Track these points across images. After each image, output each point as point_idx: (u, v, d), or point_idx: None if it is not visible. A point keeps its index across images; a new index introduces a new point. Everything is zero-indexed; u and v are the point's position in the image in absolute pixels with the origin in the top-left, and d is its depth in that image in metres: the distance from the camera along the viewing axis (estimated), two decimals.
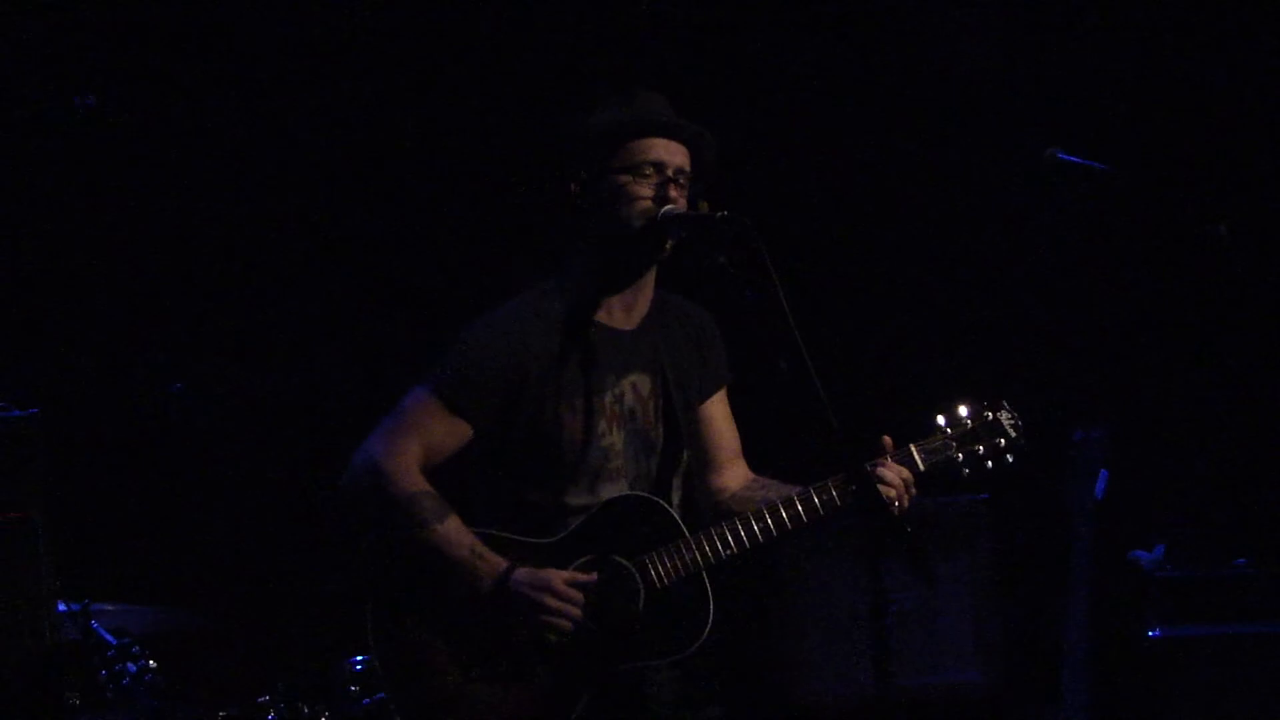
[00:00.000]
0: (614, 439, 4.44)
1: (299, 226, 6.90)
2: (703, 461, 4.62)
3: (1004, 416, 4.42)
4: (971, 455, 4.40)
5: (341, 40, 6.87)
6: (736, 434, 4.68)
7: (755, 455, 4.71)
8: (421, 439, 4.34)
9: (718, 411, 4.65)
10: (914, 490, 4.36)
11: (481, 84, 6.93)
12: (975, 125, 7.02)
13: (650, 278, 4.48)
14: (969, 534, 6.52)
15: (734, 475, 4.64)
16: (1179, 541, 6.32)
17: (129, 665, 5.49)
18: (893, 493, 4.31)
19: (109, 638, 5.58)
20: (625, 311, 4.48)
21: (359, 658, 5.83)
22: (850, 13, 7.10)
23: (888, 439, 4.40)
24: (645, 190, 4.35)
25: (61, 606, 5.54)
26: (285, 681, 5.82)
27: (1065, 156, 5.53)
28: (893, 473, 4.33)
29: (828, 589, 6.54)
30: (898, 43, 7.10)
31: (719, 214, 4.26)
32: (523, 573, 4.27)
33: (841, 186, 7.12)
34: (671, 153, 4.39)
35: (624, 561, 4.32)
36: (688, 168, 4.40)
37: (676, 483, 4.53)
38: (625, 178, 4.36)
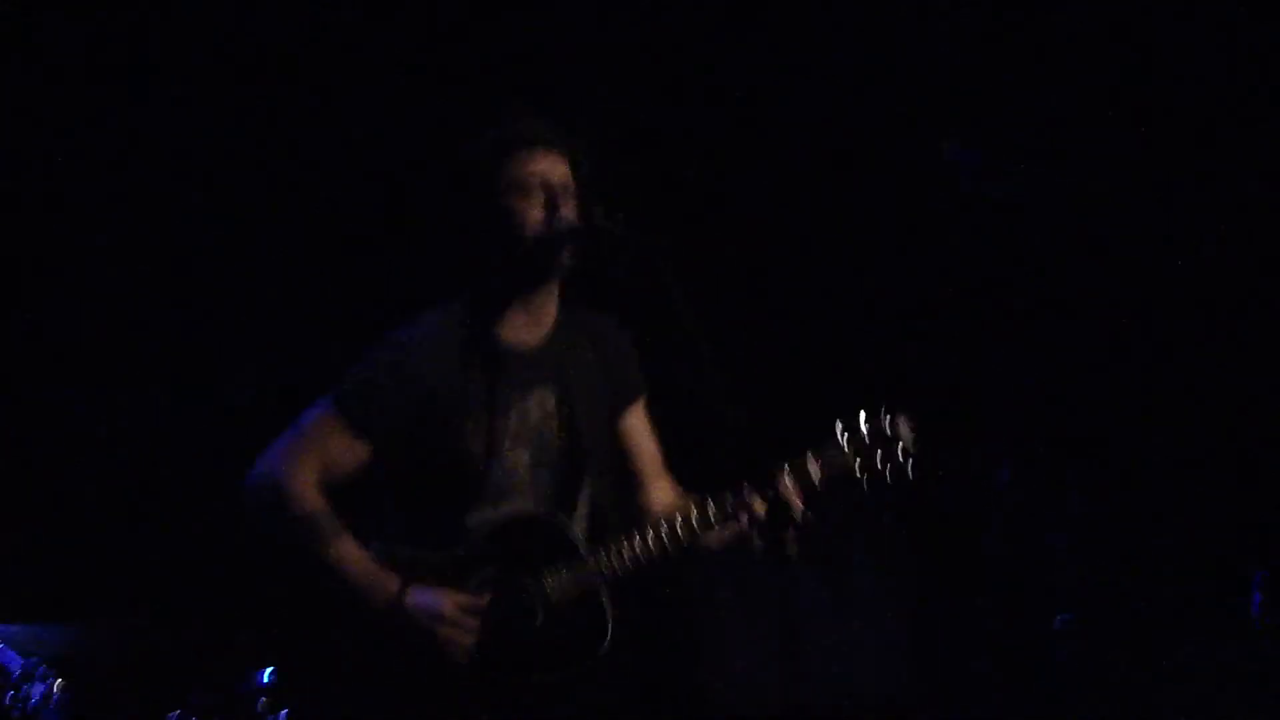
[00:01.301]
0: (517, 457, 4.41)
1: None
2: (626, 478, 4.57)
3: (903, 426, 4.32)
4: (869, 466, 4.27)
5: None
6: (658, 448, 4.61)
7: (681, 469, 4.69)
8: (321, 457, 4.29)
9: (636, 425, 4.59)
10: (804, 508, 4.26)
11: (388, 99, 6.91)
12: (872, 117, 7.04)
13: (552, 293, 4.45)
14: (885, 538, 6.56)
15: (660, 491, 4.56)
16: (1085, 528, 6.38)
17: (36, 686, 5.47)
18: (795, 506, 4.23)
19: (14, 659, 5.54)
20: (529, 328, 4.44)
21: (267, 670, 5.81)
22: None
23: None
24: (535, 208, 4.35)
25: None
26: (195, 696, 5.82)
27: (959, 152, 5.60)
28: (791, 488, 4.24)
29: (739, 592, 6.58)
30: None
31: (611, 222, 4.27)
32: (415, 594, 4.25)
33: (745, 190, 7.13)
34: (554, 164, 4.34)
35: (522, 579, 4.32)
36: (569, 179, 4.39)
37: (583, 498, 4.51)
38: (513, 197, 4.35)
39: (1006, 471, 6.15)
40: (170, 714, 5.77)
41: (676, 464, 4.65)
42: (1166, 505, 6.65)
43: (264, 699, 5.79)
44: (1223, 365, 6.70)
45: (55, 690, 5.49)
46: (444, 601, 4.24)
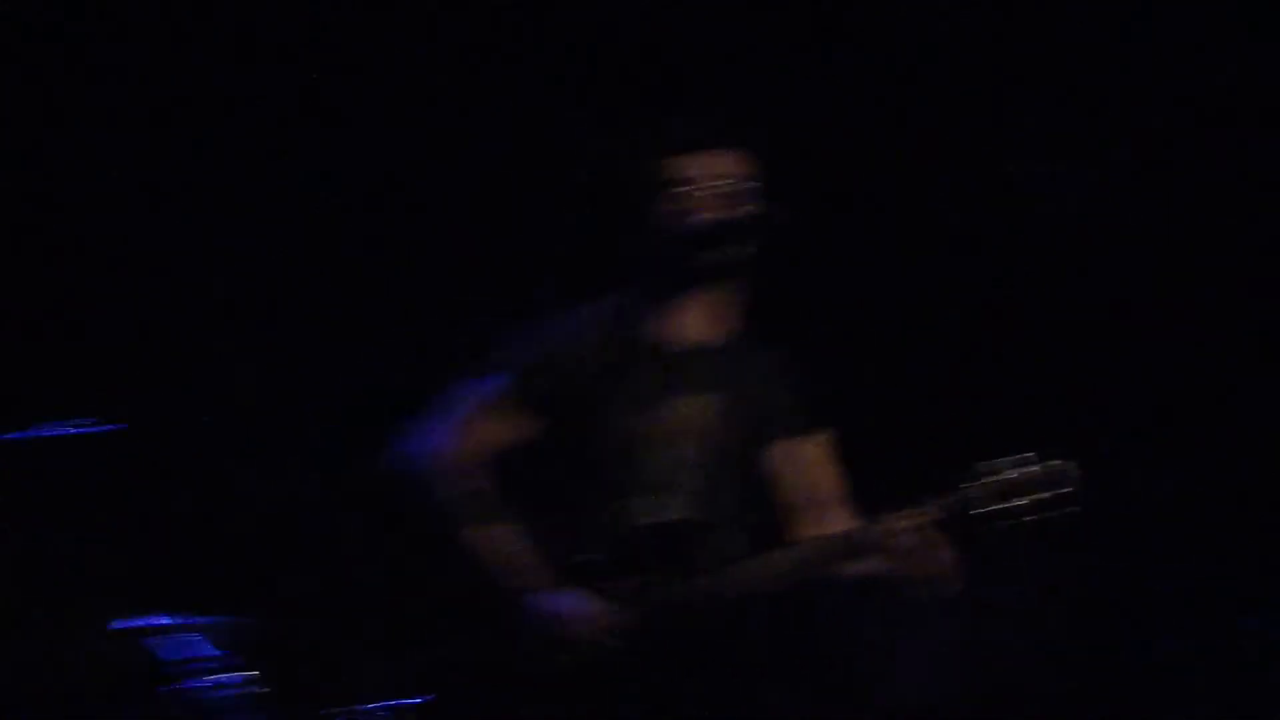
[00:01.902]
0: (676, 455, 4.40)
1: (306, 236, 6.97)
2: (797, 510, 4.50)
3: (1057, 467, 4.17)
4: (1014, 509, 4.15)
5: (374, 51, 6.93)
6: (837, 482, 4.52)
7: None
8: (484, 433, 4.31)
9: (811, 455, 4.52)
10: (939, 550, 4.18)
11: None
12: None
13: (723, 295, 4.43)
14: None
15: (825, 527, 4.45)
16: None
17: (228, 677, 5.56)
18: (899, 557, 4.16)
19: (210, 651, 5.63)
20: (704, 326, 4.43)
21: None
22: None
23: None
24: (698, 203, 4.36)
25: (158, 620, 5.64)
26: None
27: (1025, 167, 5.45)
28: (901, 535, 4.17)
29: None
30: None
31: (775, 216, 4.29)
32: (555, 595, 4.24)
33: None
34: (721, 164, 4.38)
35: (665, 586, 4.28)
36: (740, 179, 4.39)
37: (747, 506, 4.49)
38: (677, 193, 4.37)
39: None
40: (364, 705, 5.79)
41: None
42: None
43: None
44: None
45: (248, 683, 5.58)
46: (576, 604, 4.25)
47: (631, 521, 4.36)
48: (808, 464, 4.51)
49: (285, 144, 6.86)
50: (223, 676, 5.54)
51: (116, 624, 5.61)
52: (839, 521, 4.45)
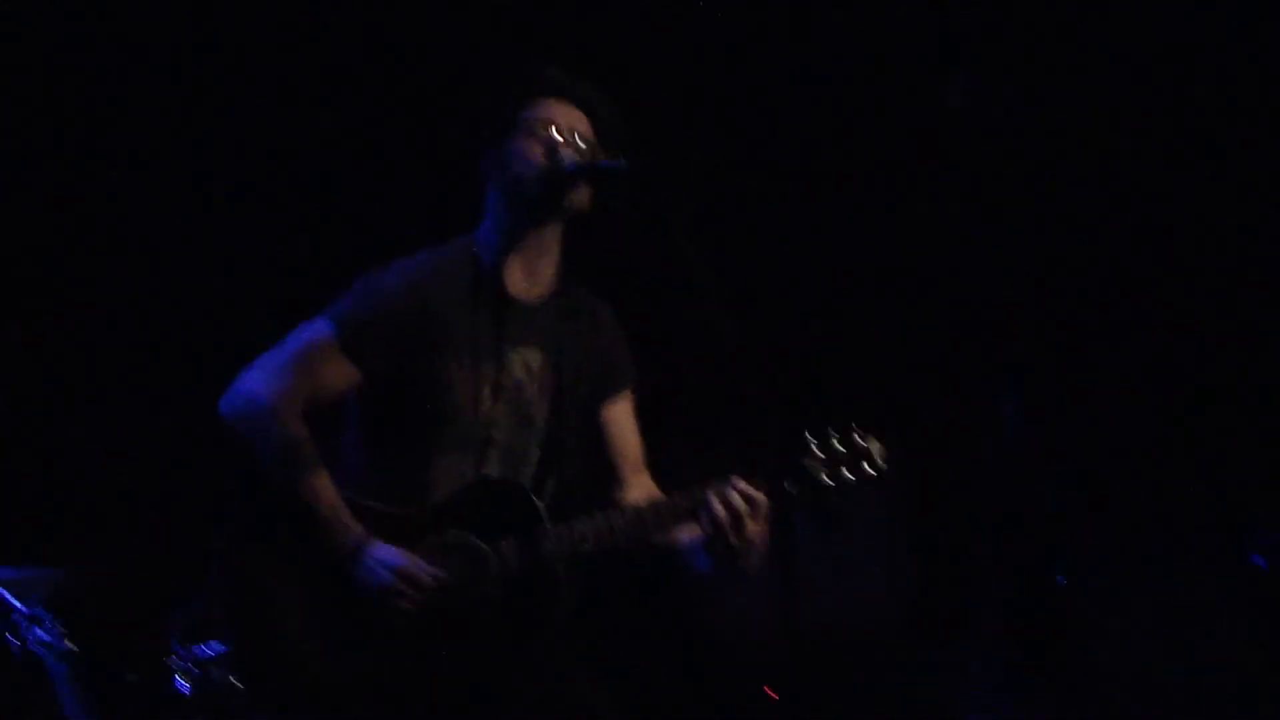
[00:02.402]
0: (497, 410, 4.40)
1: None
2: (605, 470, 4.57)
3: (875, 447, 4.31)
4: (838, 480, 4.28)
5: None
6: (639, 443, 4.62)
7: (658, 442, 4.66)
8: (311, 379, 4.27)
9: (620, 416, 4.60)
10: (755, 521, 4.23)
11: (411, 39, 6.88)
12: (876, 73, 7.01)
13: (553, 245, 4.44)
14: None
15: (636, 488, 4.57)
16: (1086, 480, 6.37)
17: (37, 629, 5.45)
18: (716, 519, 4.21)
19: (16, 604, 5.52)
20: (528, 280, 4.43)
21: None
22: None
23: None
24: (538, 147, 4.35)
25: None
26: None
27: (965, 86, 5.52)
28: (725, 501, 4.22)
29: None
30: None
31: (616, 163, 4.27)
32: (376, 547, 4.22)
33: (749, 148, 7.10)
34: (567, 114, 4.39)
35: (481, 544, 4.29)
36: (584, 129, 4.39)
37: (554, 467, 4.50)
38: (520, 137, 4.36)
39: (1011, 405, 6.13)
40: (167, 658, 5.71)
41: (663, 438, 4.65)
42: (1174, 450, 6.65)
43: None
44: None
45: (56, 633, 5.46)
46: (401, 558, 4.20)
47: (443, 476, 4.34)
48: (620, 425, 4.57)
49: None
50: (34, 630, 5.39)
51: None
52: (642, 480, 4.54)
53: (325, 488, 4.24)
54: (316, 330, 4.31)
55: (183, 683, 5.59)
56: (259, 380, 4.27)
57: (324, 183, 6.85)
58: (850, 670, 6.45)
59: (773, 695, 6.31)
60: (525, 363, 4.43)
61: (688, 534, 4.33)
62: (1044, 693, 6.08)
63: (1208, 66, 6.73)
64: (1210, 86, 6.73)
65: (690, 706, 6.64)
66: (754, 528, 4.22)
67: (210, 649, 5.40)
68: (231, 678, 5.41)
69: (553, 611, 4.28)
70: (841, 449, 4.29)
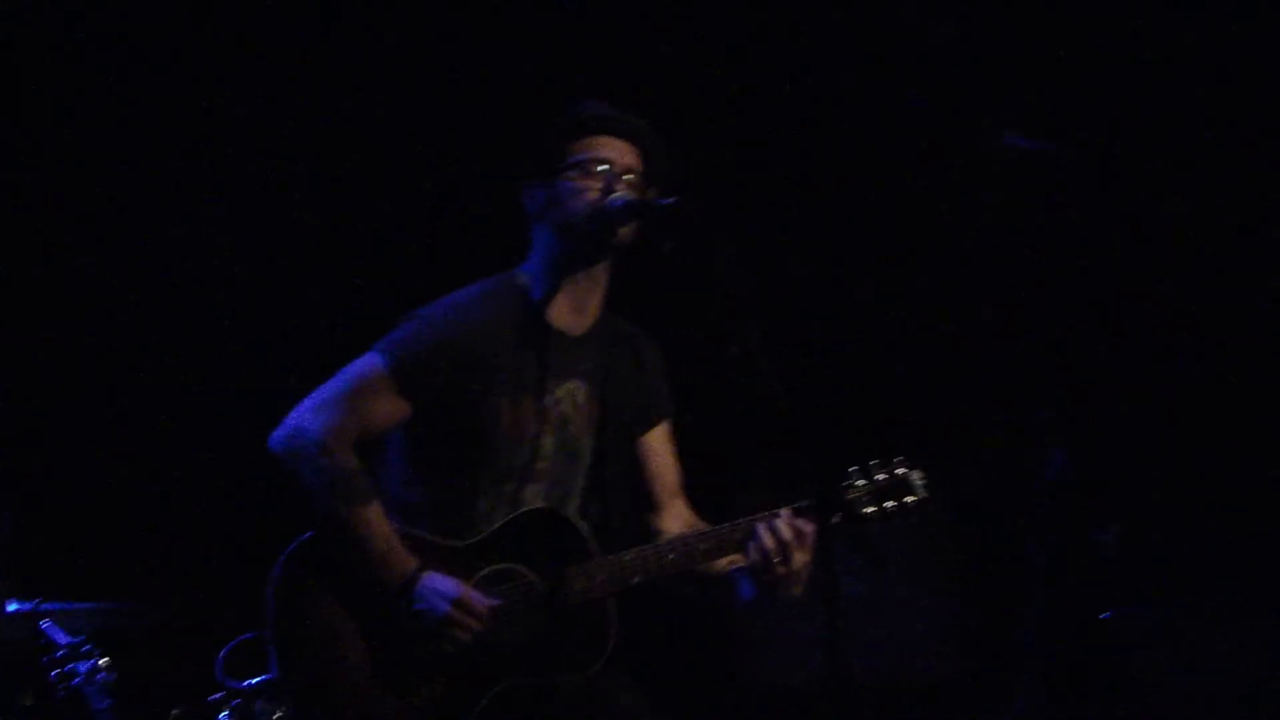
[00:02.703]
0: (544, 442, 4.42)
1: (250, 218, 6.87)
2: (643, 497, 4.61)
3: (915, 476, 4.39)
4: (882, 512, 4.37)
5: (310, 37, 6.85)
6: (677, 472, 4.67)
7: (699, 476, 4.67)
8: (362, 414, 4.31)
9: (660, 445, 4.65)
10: (801, 555, 4.30)
11: (451, 85, 6.90)
12: (926, 112, 7.00)
13: (600, 280, 4.48)
14: (923, 520, 6.53)
15: (673, 515, 4.62)
16: (1134, 519, 6.32)
17: (81, 664, 5.45)
18: (762, 555, 4.26)
19: (61, 637, 5.53)
20: (575, 314, 4.47)
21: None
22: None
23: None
24: (592, 184, 4.36)
25: (11, 606, 5.52)
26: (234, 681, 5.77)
27: (1014, 140, 5.53)
28: (773, 536, 4.28)
29: None
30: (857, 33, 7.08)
31: (667, 201, 4.28)
32: (430, 578, 4.24)
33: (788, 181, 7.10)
34: (617, 150, 4.44)
35: (532, 576, 4.30)
36: (636, 166, 4.42)
37: (597, 498, 4.52)
38: (574, 175, 4.38)
39: (1060, 459, 6.10)
40: (213, 695, 5.73)
41: (703, 473, 4.66)
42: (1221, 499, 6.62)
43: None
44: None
45: (101, 668, 5.46)
46: (456, 589, 4.21)
47: (490, 508, 4.35)
48: (659, 453, 4.63)
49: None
50: (78, 664, 5.39)
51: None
52: (678, 505, 4.59)
53: (379, 519, 4.27)
54: (368, 365, 4.35)
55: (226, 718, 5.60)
56: (310, 415, 4.31)
57: (374, 220, 6.87)
58: (896, 716, 6.42)
59: None
60: (572, 395, 4.47)
61: (731, 562, 4.34)
62: None
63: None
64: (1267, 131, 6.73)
65: None
66: (800, 558, 4.26)
67: (258, 681, 5.40)
68: (278, 712, 5.42)
69: (603, 643, 4.29)
70: (883, 478, 4.35)
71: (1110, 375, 6.85)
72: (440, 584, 4.24)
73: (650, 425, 4.63)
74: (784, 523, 4.27)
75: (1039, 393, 6.48)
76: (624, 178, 4.39)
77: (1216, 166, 6.78)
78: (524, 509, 4.39)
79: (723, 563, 4.39)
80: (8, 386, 6.06)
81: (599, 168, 4.39)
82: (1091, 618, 6.17)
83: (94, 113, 6.68)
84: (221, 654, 5.42)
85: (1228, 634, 6.07)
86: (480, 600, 4.24)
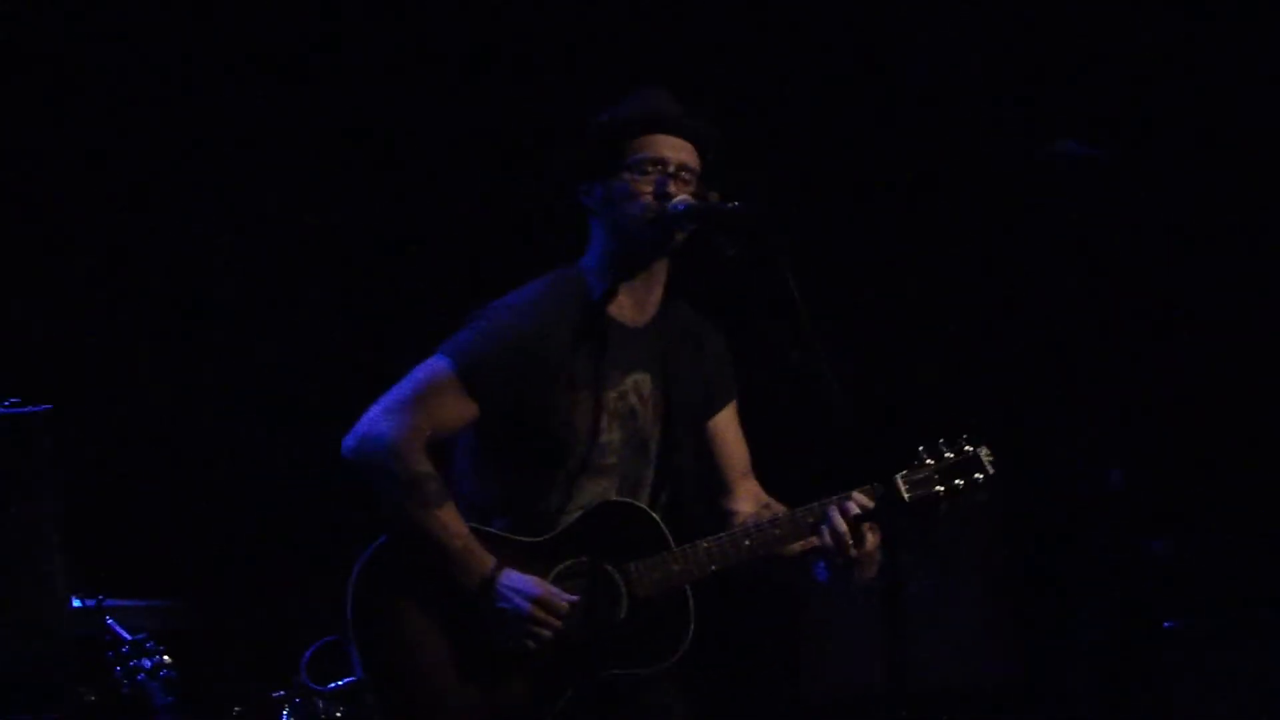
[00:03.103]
0: (612, 436, 4.44)
1: (310, 225, 6.91)
2: (713, 480, 4.63)
3: (983, 452, 4.38)
4: (951, 490, 4.35)
5: (344, 38, 6.88)
6: (746, 451, 4.68)
7: (764, 471, 4.70)
8: (432, 416, 4.34)
9: (726, 427, 4.65)
10: (870, 534, 4.33)
11: (504, 80, 6.94)
12: (975, 122, 7.00)
13: (660, 274, 4.49)
14: (982, 527, 6.55)
15: (745, 496, 4.63)
16: (1191, 531, 6.31)
17: (144, 661, 5.49)
18: (831, 540, 4.28)
19: (124, 633, 5.58)
20: (636, 308, 4.49)
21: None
22: (848, 8, 7.09)
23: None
24: (647, 186, 4.38)
25: (76, 602, 5.57)
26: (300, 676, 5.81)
27: (1070, 147, 5.53)
28: (853, 511, 4.31)
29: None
30: (894, 39, 7.10)
31: (729, 205, 4.29)
32: (509, 576, 4.27)
33: (840, 186, 7.12)
34: (675, 149, 4.43)
35: (609, 568, 4.32)
36: (693, 164, 4.43)
37: (666, 487, 4.54)
38: (629, 175, 4.40)
39: (1118, 474, 6.10)
40: (275, 693, 5.76)
41: (769, 468, 4.68)
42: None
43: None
44: None
45: (163, 666, 5.50)
46: (537, 587, 4.24)
47: (563, 504, 4.40)
48: (726, 436, 4.64)
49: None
50: (141, 660, 5.44)
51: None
52: (750, 485, 4.61)
53: (455, 520, 4.31)
54: (435, 367, 4.38)
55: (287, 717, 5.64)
56: (381, 419, 4.34)
57: (436, 216, 6.91)
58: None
59: None
60: (637, 388, 4.49)
61: (806, 545, 4.36)
62: None
63: None
64: None
65: None
66: (872, 540, 4.30)
67: (340, 685, 5.46)
68: (339, 711, 5.46)
69: (683, 633, 4.31)
70: (951, 456, 4.36)
71: (1168, 388, 6.84)
72: (520, 582, 4.26)
73: (716, 410, 4.64)
74: (856, 504, 4.28)
75: (1098, 406, 6.48)
76: (681, 177, 4.40)
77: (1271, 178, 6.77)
78: (598, 502, 4.41)
79: (797, 546, 4.39)
80: (71, 385, 6.11)
81: (656, 167, 4.40)
82: (1148, 628, 6.16)
83: (123, 114, 6.72)
84: (306, 656, 5.47)
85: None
86: (560, 597, 4.27)
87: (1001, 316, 7.02)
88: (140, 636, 5.54)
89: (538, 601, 4.25)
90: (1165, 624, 6.12)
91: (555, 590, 4.28)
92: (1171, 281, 6.82)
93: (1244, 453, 6.81)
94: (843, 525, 4.26)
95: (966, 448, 4.37)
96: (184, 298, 6.82)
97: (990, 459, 4.36)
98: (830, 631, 6.60)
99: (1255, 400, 6.83)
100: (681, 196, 4.36)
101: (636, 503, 4.43)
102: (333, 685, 5.48)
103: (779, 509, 4.50)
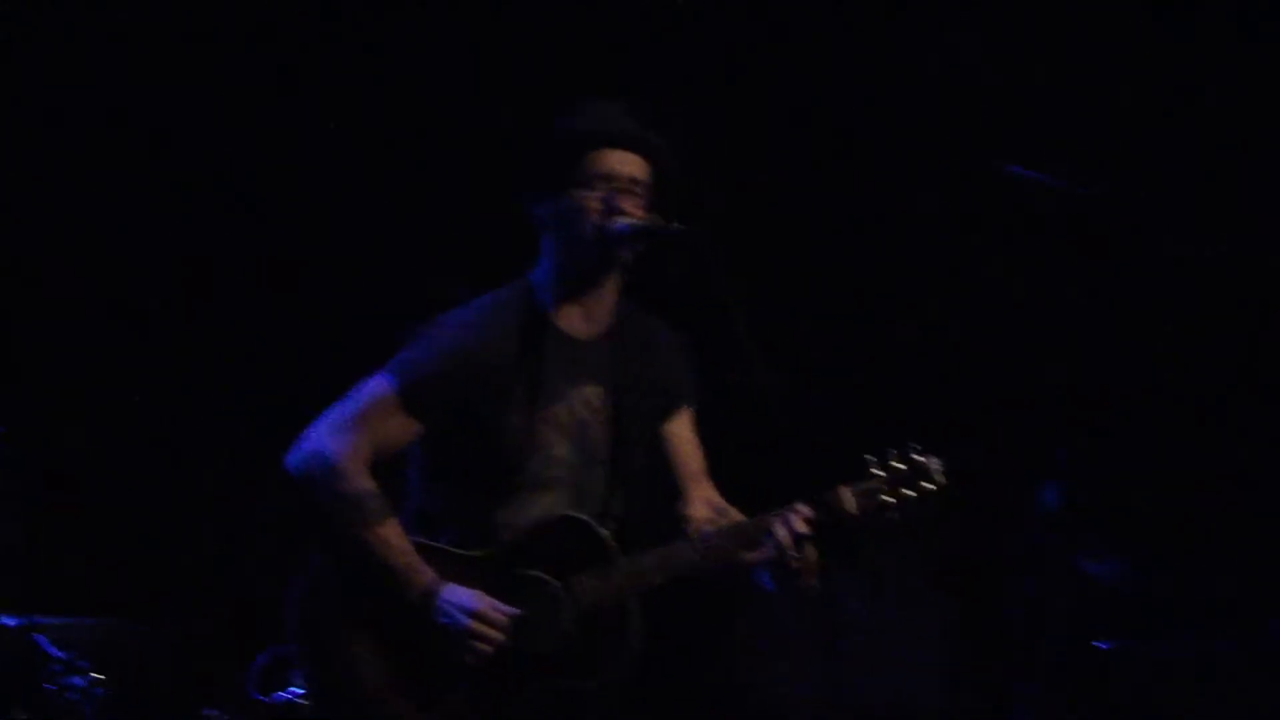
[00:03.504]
0: (561, 450, 4.42)
1: (249, 237, 6.88)
2: (667, 485, 4.60)
3: (933, 463, 4.34)
4: (901, 500, 4.32)
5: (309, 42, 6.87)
6: (702, 458, 4.65)
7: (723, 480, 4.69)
8: (373, 434, 4.31)
9: (681, 432, 4.62)
10: (809, 546, 4.30)
11: (452, 88, 6.92)
12: (930, 140, 7.03)
13: (610, 288, 4.47)
14: (921, 549, 6.56)
15: (699, 501, 4.59)
16: (1131, 553, 6.33)
17: (75, 679, 5.45)
18: (778, 545, 4.25)
19: (54, 651, 5.53)
20: (585, 320, 4.46)
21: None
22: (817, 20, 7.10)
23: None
24: (596, 204, 4.35)
25: (5, 621, 5.53)
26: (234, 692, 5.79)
27: (1019, 170, 5.55)
28: (786, 528, 4.26)
29: (777, 601, 6.59)
30: (867, 54, 7.11)
31: (671, 226, 4.28)
32: (450, 590, 4.25)
33: (792, 205, 7.13)
34: (624, 163, 4.38)
35: (554, 582, 4.31)
36: (642, 177, 4.39)
37: (618, 501, 4.52)
38: (579, 192, 4.37)
39: (1052, 494, 6.11)
40: (207, 710, 5.76)
41: (723, 477, 4.66)
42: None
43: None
44: None
45: (95, 684, 5.46)
46: (477, 601, 4.23)
47: (511, 519, 4.37)
48: (681, 441, 4.60)
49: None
50: (72, 679, 5.39)
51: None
52: (705, 490, 4.58)
53: (397, 536, 4.28)
54: (378, 386, 4.36)
55: None
56: (324, 437, 4.32)
57: (385, 225, 6.90)
58: None
59: None
60: (587, 400, 4.46)
61: (750, 557, 4.34)
62: None
63: None
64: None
65: None
66: (810, 550, 4.29)
67: (288, 694, 5.45)
68: None
69: (626, 645, 4.30)
70: (900, 466, 4.32)
71: (1109, 404, 6.87)
72: (459, 596, 4.24)
73: (670, 414, 4.61)
74: (799, 518, 4.26)
75: (1036, 422, 6.49)
76: (633, 191, 4.38)
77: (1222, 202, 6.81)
78: (545, 516, 4.38)
79: (746, 557, 4.37)
80: (11, 401, 6.07)
81: (605, 183, 4.38)
82: (1087, 648, 6.18)
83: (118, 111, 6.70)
84: (256, 664, 5.46)
85: (1228, 671, 6.07)
86: (501, 609, 4.25)
87: (947, 330, 7.04)
88: (71, 655, 5.49)
89: (477, 615, 4.23)
90: (1100, 645, 6.13)
91: (496, 604, 4.26)
92: (1119, 297, 6.85)
93: (1190, 467, 6.85)
94: (788, 539, 4.24)
95: (916, 457, 4.34)
96: (110, 307, 6.77)
97: (941, 470, 4.34)
98: (766, 647, 6.61)
99: (1199, 413, 6.86)
100: (625, 218, 4.33)
101: (583, 516, 4.39)
102: (279, 696, 5.47)
103: (735, 515, 4.48)
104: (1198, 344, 6.81)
